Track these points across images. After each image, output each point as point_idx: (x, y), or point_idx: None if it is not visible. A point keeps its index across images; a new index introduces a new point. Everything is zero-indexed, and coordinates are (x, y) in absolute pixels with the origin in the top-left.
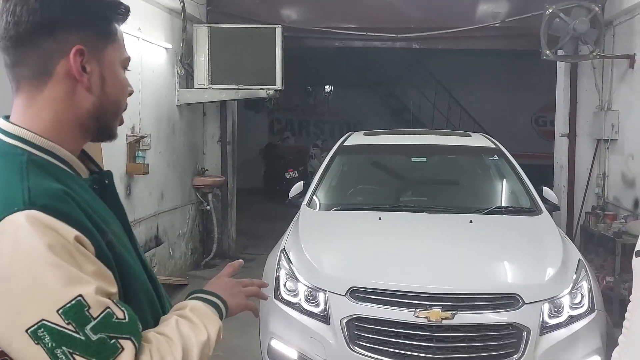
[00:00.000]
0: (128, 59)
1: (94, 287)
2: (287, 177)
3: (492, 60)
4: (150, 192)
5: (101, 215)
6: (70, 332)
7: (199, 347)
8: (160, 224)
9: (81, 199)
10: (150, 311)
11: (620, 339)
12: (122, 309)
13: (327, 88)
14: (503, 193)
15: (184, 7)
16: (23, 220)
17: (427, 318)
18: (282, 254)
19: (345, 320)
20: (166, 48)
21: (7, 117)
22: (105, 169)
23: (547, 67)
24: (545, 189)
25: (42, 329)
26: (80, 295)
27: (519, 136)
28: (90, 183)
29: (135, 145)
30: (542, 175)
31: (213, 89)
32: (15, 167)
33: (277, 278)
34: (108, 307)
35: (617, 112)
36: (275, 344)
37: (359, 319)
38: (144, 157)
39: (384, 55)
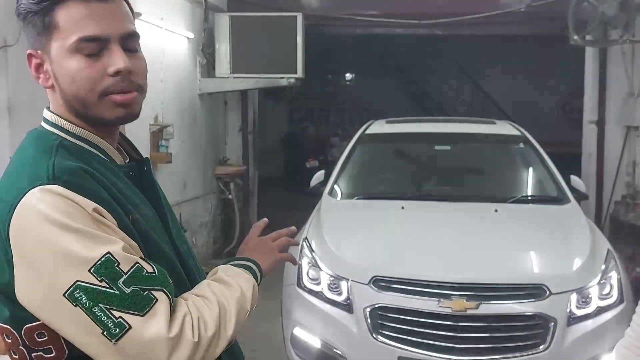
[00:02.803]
0: (84, 39)
1: (121, 245)
2: (308, 166)
3: (516, 46)
4: (173, 181)
5: (128, 197)
6: (104, 289)
7: (235, 302)
8: (183, 213)
9: (105, 178)
10: (177, 292)
11: (629, 332)
12: (151, 264)
13: (348, 76)
14: (529, 181)
15: None
16: (45, 193)
17: (451, 308)
18: (304, 243)
19: (369, 309)
20: (188, 37)
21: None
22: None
23: (575, 52)
24: (573, 177)
25: (77, 290)
26: (108, 253)
27: (544, 123)
28: (127, 170)
29: (158, 134)
30: (569, 163)
31: (234, 77)
32: (46, 149)
33: (300, 267)
34: (137, 262)
35: None
36: (299, 332)
37: (382, 308)
38: (167, 146)
39: (405, 42)
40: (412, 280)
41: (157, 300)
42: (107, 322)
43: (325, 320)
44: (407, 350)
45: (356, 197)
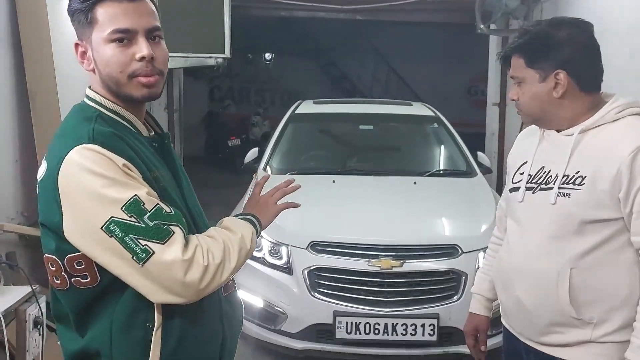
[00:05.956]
0: (116, 31)
1: (145, 190)
2: (230, 144)
3: (430, 33)
4: None
5: (151, 160)
6: (133, 222)
7: (236, 242)
8: None
9: (133, 143)
10: None
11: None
12: (169, 206)
13: (267, 56)
14: (442, 157)
15: None
16: (86, 150)
17: (379, 266)
18: None
19: (307, 270)
20: None
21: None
22: None
23: (480, 40)
24: (480, 153)
25: (112, 224)
26: (135, 195)
27: (453, 105)
28: (150, 141)
29: None
30: (475, 141)
31: None
32: (87, 118)
33: None
34: (158, 204)
35: None
36: (242, 294)
37: (319, 268)
38: None
39: (325, 25)
40: (345, 243)
41: (174, 232)
42: (136, 248)
43: (267, 282)
44: (341, 304)
45: (289, 173)
